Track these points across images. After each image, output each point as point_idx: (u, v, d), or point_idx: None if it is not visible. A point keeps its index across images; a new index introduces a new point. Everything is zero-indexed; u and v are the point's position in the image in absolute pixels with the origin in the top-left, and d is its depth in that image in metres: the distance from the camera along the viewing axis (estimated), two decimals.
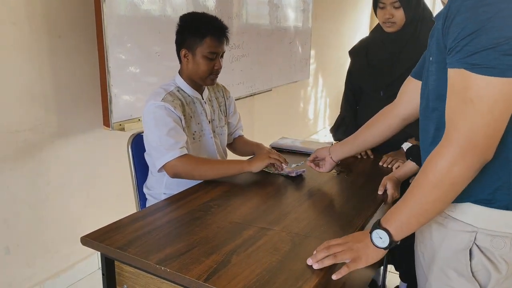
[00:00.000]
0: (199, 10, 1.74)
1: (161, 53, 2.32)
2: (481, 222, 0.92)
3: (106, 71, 2.04)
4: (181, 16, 1.65)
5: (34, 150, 2.04)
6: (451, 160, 0.84)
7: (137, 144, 1.77)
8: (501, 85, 0.78)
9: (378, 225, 0.98)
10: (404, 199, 0.95)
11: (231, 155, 1.91)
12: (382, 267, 2.03)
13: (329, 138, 5.26)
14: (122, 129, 2.15)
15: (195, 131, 1.68)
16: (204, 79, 1.64)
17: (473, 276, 0.94)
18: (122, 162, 1.94)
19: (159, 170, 1.56)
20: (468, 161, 0.83)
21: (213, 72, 1.63)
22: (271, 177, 1.66)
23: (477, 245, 0.93)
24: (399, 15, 1.87)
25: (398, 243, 0.98)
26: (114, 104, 2.10)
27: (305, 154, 1.96)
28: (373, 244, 0.99)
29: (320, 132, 5.24)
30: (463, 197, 0.91)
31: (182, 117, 1.60)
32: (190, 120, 1.66)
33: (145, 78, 2.28)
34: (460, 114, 0.83)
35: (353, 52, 2.16)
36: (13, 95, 1.91)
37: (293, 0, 3.75)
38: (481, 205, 0.92)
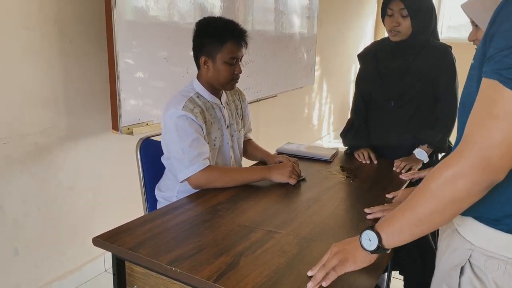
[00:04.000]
0: (206, 16, 1.73)
1: (169, 58, 2.36)
2: (480, 240, 0.88)
3: (116, 75, 2.07)
4: (197, 22, 1.64)
5: (44, 153, 2.07)
6: (458, 172, 0.78)
7: (146, 148, 1.80)
8: None
9: (370, 227, 0.94)
10: (402, 206, 0.91)
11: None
12: (386, 273, 2.04)
13: (333, 144, 5.29)
14: (131, 133, 2.18)
15: (215, 137, 1.69)
16: (225, 85, 1.66)
17: None
18: (130, 166, 1.96)
19: (182, 182, 1.59)
20: (476, 178, 0.77)
21: (234, 77, 1.64)
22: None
23: (470, 263, 0.89)
24: (406, 25, 1.87)
25: (388, 251, 0.93)
26: (123, 108, 2.13)
27: (309, 160, 1.99)
28: (361, 245, 0.94)
29: (324, 138, 5.26)
30: (467, 210, 0.85)
31: (204, 125, 1.61)
32: (211, 126, 1.67)
33: (153, 82, 2.31)
34: (480, 127, 0.77)
35: (361, 57, 2.15)
36: (24, 99, 1.95)
37: (298, 7, 3.79)
38: (485, 224, 0.87)
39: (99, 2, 2.13)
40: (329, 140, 5.36)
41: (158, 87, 2.33)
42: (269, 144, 2.04)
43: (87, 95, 2.21)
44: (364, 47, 2.19)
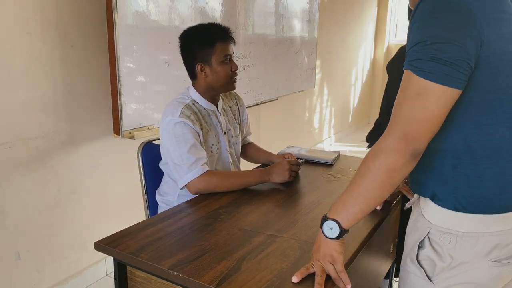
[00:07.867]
0: (206, 21, 1.75)
1: (170, 62, 2.37)
2: (435, 219, 1.02)
3: (117, 79, 2.08)
4: (181, 36, 1.66)
5: (46, 157, 2.07)
6: (388, 147, 0.92)
7: (147, 152, 1.80)
8: (435, 89, 0.88)
9: (326, 218, 1.03)
10: (348, 189, 1.02)
11: (242, 162, 1.94)
12: (388, 280, 2.03)
13: (334, 147, 5.29)
14: (132, 137, 2.18)
15: (212, 144, 1.70)
16: (226, 85, 1.67)
17: (419, 263, 1.05)
18: (131, 170, 1.96)
19: (182, 188, 1.59)
20: (401, 148, 0.91)
21: (233, 75, 1.67)
22: (279, 184, 1.68)
23: (429, 238, 1.03)
24: None
25: (348, 232, 1.03)
26: (124, 112, 2.13)
27: (311, 163, 1.98)
28: (326, 237, 1.02)
29: (325, 141, 5.26)
30: (424, 192, 1.04)
31: (200, 132, 1.62)
32: (208, 134, 1.68)
33: (154, 86, 2.32)
34: (399, 108, 0.93)
35: (392, 64, 2.11)
36: (26, 103, 1.95)
37: (299, 10, 3.80)
38: (438, 204, 1.01)
39: (100, 7, 2.14)
40: (330, 143, 5.36)
41: (159, 91, 2.34)
42: (270, 147, 2.04)
43: (88, 100, 2.21)
44: (394, 55, 2.11)
